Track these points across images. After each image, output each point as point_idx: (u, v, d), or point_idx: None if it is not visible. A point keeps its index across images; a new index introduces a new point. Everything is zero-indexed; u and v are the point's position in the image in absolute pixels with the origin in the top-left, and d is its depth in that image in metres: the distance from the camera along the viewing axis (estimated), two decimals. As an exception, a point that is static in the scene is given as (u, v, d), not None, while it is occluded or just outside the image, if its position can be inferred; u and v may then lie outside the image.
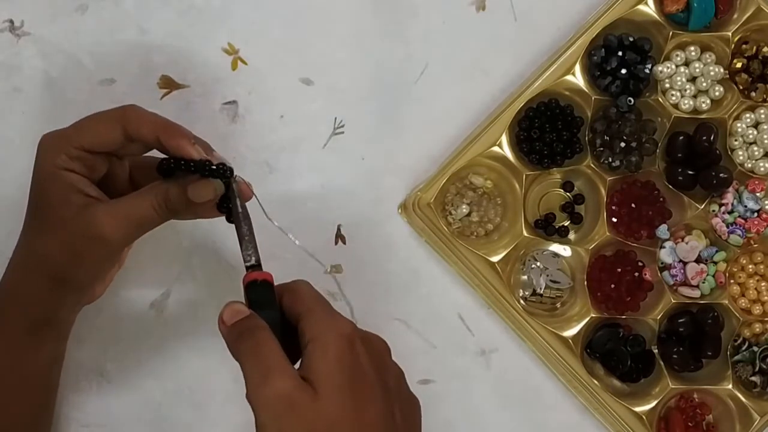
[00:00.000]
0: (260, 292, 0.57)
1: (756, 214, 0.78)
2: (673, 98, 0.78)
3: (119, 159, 0.66)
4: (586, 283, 0.78)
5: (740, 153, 0.79)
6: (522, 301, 0.78)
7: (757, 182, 0.78)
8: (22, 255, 0.65)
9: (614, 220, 0.79)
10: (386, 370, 0.56)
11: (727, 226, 0.78)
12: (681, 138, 0.78)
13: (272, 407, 0.52)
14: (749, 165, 0.79)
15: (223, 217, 0.64)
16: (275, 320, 0.56)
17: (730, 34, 0.78)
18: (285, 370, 0.53)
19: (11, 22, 0.76)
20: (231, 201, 0.61)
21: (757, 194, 0.78)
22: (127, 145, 0.63)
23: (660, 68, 0.78)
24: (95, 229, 0.60)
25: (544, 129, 0.77)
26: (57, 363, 0.69)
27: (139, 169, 0.67)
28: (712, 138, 0.77)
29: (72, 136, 0.62)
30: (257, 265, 0.59)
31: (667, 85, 0.78)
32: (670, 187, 0.78)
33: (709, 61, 0.79)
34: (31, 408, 0.67)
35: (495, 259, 0.77)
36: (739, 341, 0.78)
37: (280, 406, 0.52)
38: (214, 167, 0.60)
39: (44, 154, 0.62)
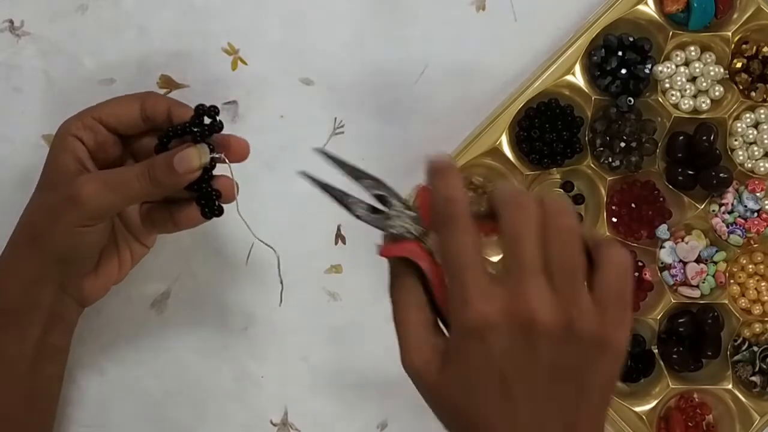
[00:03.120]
0: None
1: (756, 214, 0.78)
2: (673, 98, 0.78)
3: (133, 160, 0.67)
4: (586, 283, 0.78)
5: (740, 153, 0.79)
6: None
7: (757, 182, 0.78)
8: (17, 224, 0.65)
9: (614, 220, 0.79)
10: None
11: (727, 226, 0.78)
12: (681, 138, 0.78)
13: None
14: (749, 165, 0.79)
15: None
16: None
17: (730, 34, 0.78)
18: None
19: (11, 22, 0.76)
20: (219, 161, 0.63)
21: (757, 194, 0.78)
22: (141, 129, 0.65)
23: (660, 68, 0.78)
24: (73, 188, 0.61)
25: (544, 129, 0.77)
26: (48, 359, 0.67)
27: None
28: (712, 138, 0.77)
29: (94, 108, 0.66)
30: None
31: (667, 85, 0.78)
32: (670, 187, 0.78)
33: (709, 61, 0.79)
34: (12, 397, 0.66)
35: (495, 259, 0.77)
36: (739, 341, 0.78)
37: None
38: (205, 115, 0.63)
39: (65, 122, 0.66)
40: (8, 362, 0.65)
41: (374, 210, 0.55)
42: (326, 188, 0.55)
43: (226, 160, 0.63)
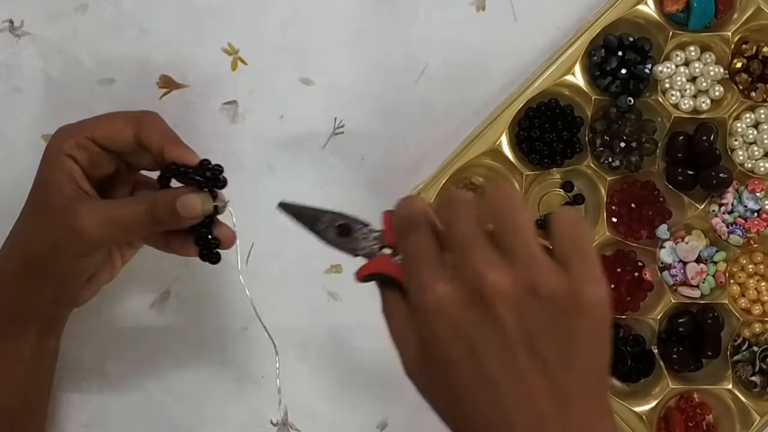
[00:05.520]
0: None
1: (756, 214, 0.78)
2: (673, 98, 0.78)
3: (128, 171, 0.67)
4: (586, 283, 0.78)
5: (740, 153, 0.79)
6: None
7: (757, 182, 0.78)
8: (9, 237, 0.65)
9: (614, 220, 0.79)
10: None
11: (727, 226, 0.78)
12: (681, 138, 0.78)
13: None
14: (749, 165, 0.79)
15: (222, 217, 0.65)
16: None
17: (730, 34, 0.78)
18: None
19: (11, 22, 0.76)
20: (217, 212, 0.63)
21: (757, 194, 0.78)
22: (135, 150, 0.64)
23: (660, 68, 0.78)
24: (75, 220, 0.61)
25: (544, 129, 0.77)
26: (43, 360, 0.68)
27: (143, 188, 0.68)
28: (712, 138, 0.77)
29: (86, 125, 0.64)
30: None
31: (667, 85, 0.78)
32: (670, 187, 0.78)
33: (709, 61, 0.79)
34: (11, 400, 0.66)
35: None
36: (739, 341, 0.78)
37: None
38: (209, 172, 0.62)
39: (55, 138, 0.64)
40: (4, 368, 0.65)
41: (342, 234, 0.59)
42: (299, 217, 0.59)
43: (230, 209, 0.63)
